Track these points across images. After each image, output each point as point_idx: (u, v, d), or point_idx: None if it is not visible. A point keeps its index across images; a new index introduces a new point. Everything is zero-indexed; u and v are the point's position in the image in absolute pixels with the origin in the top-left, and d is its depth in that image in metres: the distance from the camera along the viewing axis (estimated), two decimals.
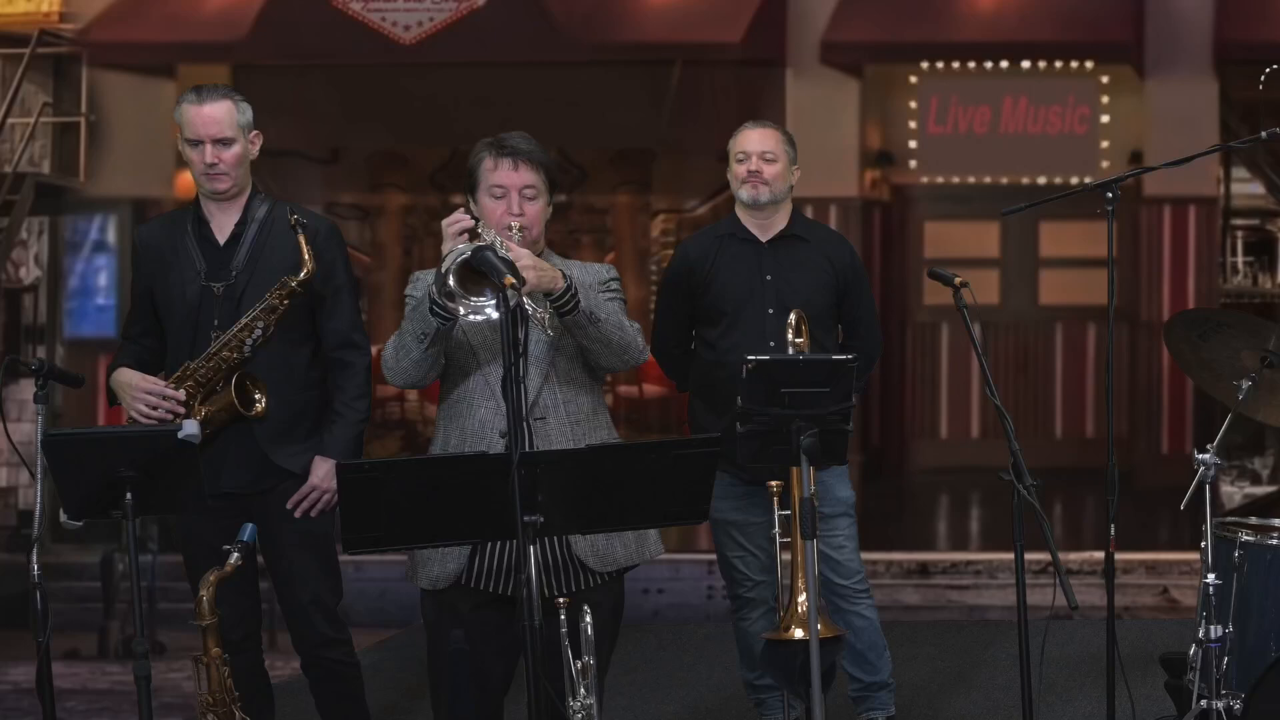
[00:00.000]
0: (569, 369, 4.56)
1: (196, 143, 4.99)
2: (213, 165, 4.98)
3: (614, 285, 4.64)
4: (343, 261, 5.10)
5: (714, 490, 5.46)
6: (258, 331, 4.94)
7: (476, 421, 4.53)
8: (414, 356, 4.45)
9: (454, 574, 4.53)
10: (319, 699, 5.18)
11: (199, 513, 4.77)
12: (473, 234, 4.36)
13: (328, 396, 5.10)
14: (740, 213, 5.74)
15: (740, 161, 5.66)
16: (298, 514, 5.01)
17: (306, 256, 4.93)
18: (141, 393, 4.96)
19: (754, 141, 5.66)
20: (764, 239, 5.70)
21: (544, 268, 4.36)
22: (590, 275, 4.60)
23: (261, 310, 4.94)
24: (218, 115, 4.98)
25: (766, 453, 4.76)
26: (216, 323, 4.99)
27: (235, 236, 5.05)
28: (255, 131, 5.07)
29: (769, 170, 5.63)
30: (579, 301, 4.40)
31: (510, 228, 4.44)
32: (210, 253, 5.04)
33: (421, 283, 4.58)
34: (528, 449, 4.38)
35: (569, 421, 4.54)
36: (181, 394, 4.94)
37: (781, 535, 5.06)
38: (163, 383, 4.98)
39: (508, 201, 4.53)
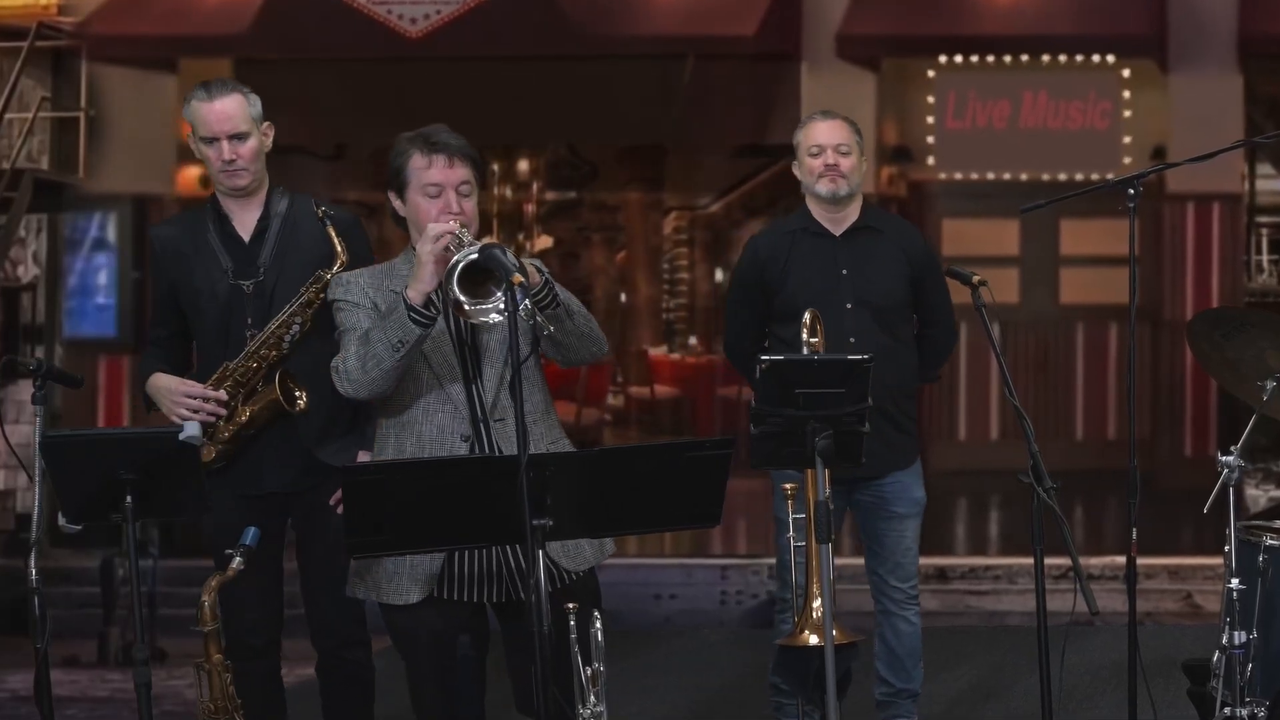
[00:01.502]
0: (523, 367, 4.44)
1: (212, 140, 4.94)
2: (231, 161, 4.94)
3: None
4: (369, 256, 5.03)
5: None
6: (295, 327, 4.91)
7: (434, 428, 4.44)
8: (386, 366, 4.33)
9: (427, 587, 4.41)
10: (328, 704, 5.11)
11: (234, 513, 4.76)
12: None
13: None
14: (812, 206, 5.63)
15: (815, 155, 5.55)
16: (340, 510, 4.93)
17: (340, 249, 4.89)
18: (182, 396, 4.92)
19: (826, 134, 5.56)
20: (837, 232, 5.60)
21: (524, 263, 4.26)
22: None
23: (299, 305, 4.90)
24: (230, 110, 4.93)
25: (780, 454, 4.69)
26: (250, 321, 4.95)
27: (260, 232, 5.01)
28: (267, 123, 5.03)
29: (845, 163, 5.54)
30: (557, 294, 4.31)
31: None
32: (235, 250, 5.00)
33: (355, 287, 4.47)
34: (488, 451, 4.35)
35: (528, 421, 4.40)
36: (223, 394, 4.91)
37: (796, 539, 4.98)
38: (200, 385, 4.93)
39: (444, 200, 4.43)
